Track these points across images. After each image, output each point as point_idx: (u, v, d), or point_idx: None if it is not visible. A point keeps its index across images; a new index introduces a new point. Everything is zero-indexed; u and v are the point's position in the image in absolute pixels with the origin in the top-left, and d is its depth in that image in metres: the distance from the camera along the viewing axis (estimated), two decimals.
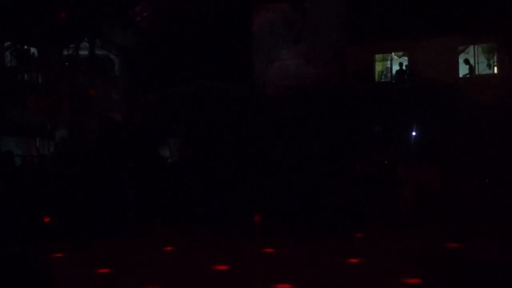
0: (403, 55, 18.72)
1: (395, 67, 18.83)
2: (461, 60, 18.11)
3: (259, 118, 16.87)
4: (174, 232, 11.81)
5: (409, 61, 18.42)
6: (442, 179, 13.83)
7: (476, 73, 18.20)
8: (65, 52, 17.98)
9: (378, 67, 19.04)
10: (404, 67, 18.54)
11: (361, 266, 8.17)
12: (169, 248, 10.13)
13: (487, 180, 13.65)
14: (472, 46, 18.19)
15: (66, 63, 17.86)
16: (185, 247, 10.23)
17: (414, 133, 16.25)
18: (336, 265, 8.22)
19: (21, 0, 16.24)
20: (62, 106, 17.00)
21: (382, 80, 19.08)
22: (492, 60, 18.09)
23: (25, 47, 17.86)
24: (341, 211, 12.80)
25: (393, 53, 18.82)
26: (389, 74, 18.95)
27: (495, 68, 18.06)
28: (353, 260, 8.51)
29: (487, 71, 18.14)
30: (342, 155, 15.43)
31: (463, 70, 18.21)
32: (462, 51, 18.20)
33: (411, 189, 13.15)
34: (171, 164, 15.81)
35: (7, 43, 17.72)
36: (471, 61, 18.16)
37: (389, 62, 18.96)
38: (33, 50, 18.09)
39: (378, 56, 18.96)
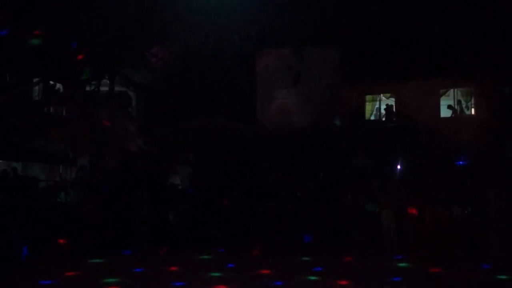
0: (390, 96, 20.69)
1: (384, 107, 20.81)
2: (445, 104, 20.08)
3: (259, 152, 18.67)
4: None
5: (395, 102, 20.40)
6: (422, 208, 15.46)
7: (458, 113, 20.17)
8: (87, 88, 19.91)
9: (368, 106, 21.01)
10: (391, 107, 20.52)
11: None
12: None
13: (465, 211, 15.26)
14: (452, 90, 20.25)
15: (88, 98, 19.72)
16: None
17: (399, 166, 17.99)
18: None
19: (51, 43, 18.13)
20: (83, 137, 18.75)
21: (372, 118, 21.04)
22: (470, 103, 20.07)
23: (51, 83, 19.74)
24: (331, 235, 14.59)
25: (381, 95, 20.86)
26: (378, 113, 20.95)
27: (473, 110, 20.03)
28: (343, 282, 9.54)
29: (466, 113, 20.11)
30: (334, 185, 17.15)
31: (444, 112, 20.13)
32: (444, 93, 20.18)
33: (394, 217, 14.78)
34: (181, 191, 17.52)
35: (36, 79, 19.59)
36: (452, 103, 20.19)
37: (378, 102, 20.98)
38: (58, 85, 19.97)
39: (368, 97, 20.96)
